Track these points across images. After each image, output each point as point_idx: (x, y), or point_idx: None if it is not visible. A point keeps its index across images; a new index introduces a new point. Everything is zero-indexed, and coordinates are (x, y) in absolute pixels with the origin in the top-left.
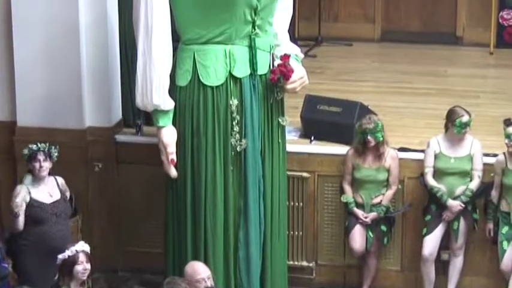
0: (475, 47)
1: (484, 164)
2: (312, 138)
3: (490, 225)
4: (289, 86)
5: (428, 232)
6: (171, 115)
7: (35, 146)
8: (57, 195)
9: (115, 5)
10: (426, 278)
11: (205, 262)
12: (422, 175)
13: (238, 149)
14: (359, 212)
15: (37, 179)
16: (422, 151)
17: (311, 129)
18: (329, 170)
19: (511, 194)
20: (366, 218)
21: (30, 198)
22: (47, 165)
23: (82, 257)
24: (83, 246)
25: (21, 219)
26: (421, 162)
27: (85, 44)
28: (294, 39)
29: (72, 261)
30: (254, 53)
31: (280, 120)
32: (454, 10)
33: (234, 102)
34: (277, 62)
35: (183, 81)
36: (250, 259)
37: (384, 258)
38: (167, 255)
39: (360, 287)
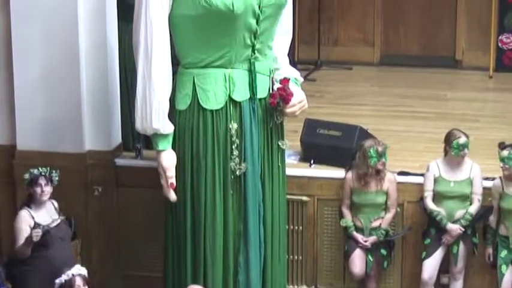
0: (474, 70)
1: (484, 188)
2: (312, 162)
3: (489, 250)
4: (288, 110)
5: (428, 256)
6: (170, 139)
7: (36, 170)
8: (57, 219)
9: (115, 29)
10: None
11: (205, 286)
12: (422, 199)
13: (237, 172)
14: (358, 236)
15: (38, 204)
16: (422, 175)
17: (311, 153)
18: (329, 193)
19: (509, 217)
20: (365, 241)
21: (34, 223)
22: (48, 189)
23: (79, 281)
24: (79, 269)
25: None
26: (420, 186)
27: (85, 68)
28: (293, 63)
29: (69, 285)
30: (254, 76)
31: (280, 144)
32: (453, 34)
33: (234, 126)
34: (277, 85)
35: (182, 105)
36: (250, 283)
37: (384, 282)
38: (167, 280)
39: None
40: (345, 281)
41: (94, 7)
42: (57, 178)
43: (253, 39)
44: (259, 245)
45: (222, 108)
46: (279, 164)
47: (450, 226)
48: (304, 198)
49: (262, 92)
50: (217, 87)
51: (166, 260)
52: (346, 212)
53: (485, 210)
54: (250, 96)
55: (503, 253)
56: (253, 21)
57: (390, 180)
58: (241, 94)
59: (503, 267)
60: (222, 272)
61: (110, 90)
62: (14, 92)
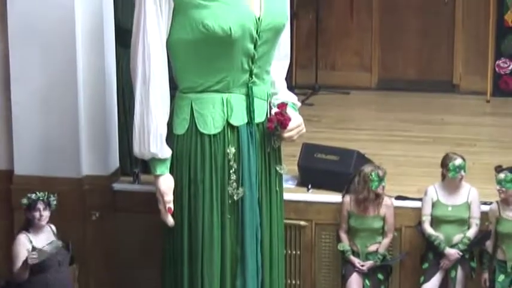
0: (471, 95)
1: (482, 212)
2: (309, 186)
3: (485, 275)
4: (286, 135)
5: (426, 280)
6: (168, 163)
7: (34, 195)
8: (55, 243)
9: (113, 54)
10: None
11: None
12: (420, 223)
13: (235, 197)
14: (355, 260)
15: (36, 228)
16: (420, 199)
17: (308, 177)
18: (326, 218)
19: (506, 242)
20: (362, 266)
21: (33, 247)
22: (46, 214)
23: None
24: None
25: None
26: (418, 211)
27: (83, 92)
28: (291, 87)
29: None
30: (251, 101)
31: (277, 168)
32: (450, 58)
33: (232, 150)
34: (275, 110)
35: (180, 129)
36: None
37: None
38: None
39: None
40: None
41: (92, 32)
42: (55, 203)
43: (250, 63)
44: (257, 270)
45: (219, 133)
46: (277, 188)
47: (448, 251)
48: (302, 222)
49: (259, 117)
50: (215, 112)
51: (164, 285)
52: (344, 236)
53: (483, 235)
54: (248, 121)
55: (501, 278)
56: (250, 46)
57: (387, 205)
58: (239, 119)
59: None
60: None
61: (108, 114)
62: (12, 117)
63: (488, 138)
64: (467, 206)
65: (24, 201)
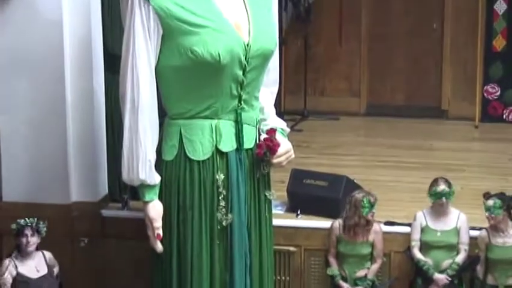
0: (460, 120)
1: (471, 238)
2: (299, 212)
3: None
4: (275, 160)
5: None
6: (157, 190)
7: (22, 221)
8: (44, 270)
9: (101, 80)
10: None
11: None
12: (409, 248)
13: (224, 223)
14: (344, 285)
15: (24, 254)
16: (409, 225)
17: (297, 203)
18: (315, 244)
19: (497, 268)
20: None
21: (17, 272)
22: (34, 240)
23: None
24: None
25: None
26: (407, 236)
27: (71, 119)
28: (280, 113)
29: None
30: (240, 127)
31: (266, 194)
32: (439, 84)
33: (221, 176)
34: (263, 136)
35: (169, 155)
36: None
37: None
38: None
39: None
40: None
41: (81, 58)
42: (44, 229)
43: (239, 89)
44: None
45: (208, 159)
46: (266, 214)
47: (437, 276)
48: (291, 248)
49: (248, 143)
50: (204, 138)
51: None
52: (333, 260)
53: (471, 260)
54: (237, 147)
55: None
56: (239, 72)
57: (376, 231)
58: (228, 145)
59: None
60: None
61: (97, 141)
62: (0, 143)
63: (477, 163)
64: (456, 231)
65: (13, 226)
